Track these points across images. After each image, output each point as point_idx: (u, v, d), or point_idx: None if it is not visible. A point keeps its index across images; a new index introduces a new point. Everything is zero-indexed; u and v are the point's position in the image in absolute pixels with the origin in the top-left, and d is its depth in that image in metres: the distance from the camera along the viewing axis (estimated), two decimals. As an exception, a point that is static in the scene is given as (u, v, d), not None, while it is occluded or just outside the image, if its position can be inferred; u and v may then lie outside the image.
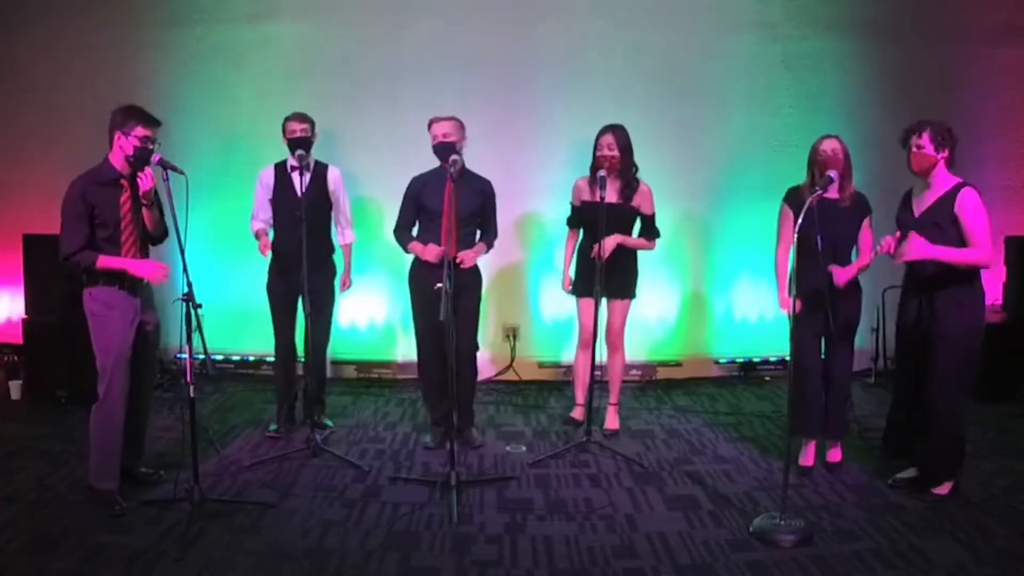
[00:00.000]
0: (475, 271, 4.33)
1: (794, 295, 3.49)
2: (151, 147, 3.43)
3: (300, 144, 4.26)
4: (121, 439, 3.48)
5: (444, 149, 4.08)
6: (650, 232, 4.45)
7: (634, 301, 4.52)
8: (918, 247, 3.42)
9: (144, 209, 3.51)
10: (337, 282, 4.65)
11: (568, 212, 4.56)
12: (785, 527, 3.26)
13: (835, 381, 3.91)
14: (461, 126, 4.18)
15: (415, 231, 4.29)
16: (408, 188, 4.28)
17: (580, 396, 4.56)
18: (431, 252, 4.11)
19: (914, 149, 3.49)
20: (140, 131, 3.40)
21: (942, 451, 3.55)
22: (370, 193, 5.57)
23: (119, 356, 3.42)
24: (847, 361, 3.93)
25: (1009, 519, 3.39)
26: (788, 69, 5.73)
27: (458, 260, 4.07)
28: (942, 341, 3.48)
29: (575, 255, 4.52)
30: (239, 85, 5.63)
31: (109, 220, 3.42)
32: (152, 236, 3.62)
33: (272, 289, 4.46)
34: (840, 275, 3.72)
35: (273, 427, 4.49)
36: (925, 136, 3.45)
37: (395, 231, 4.32)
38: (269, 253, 4.35)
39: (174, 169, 3.38)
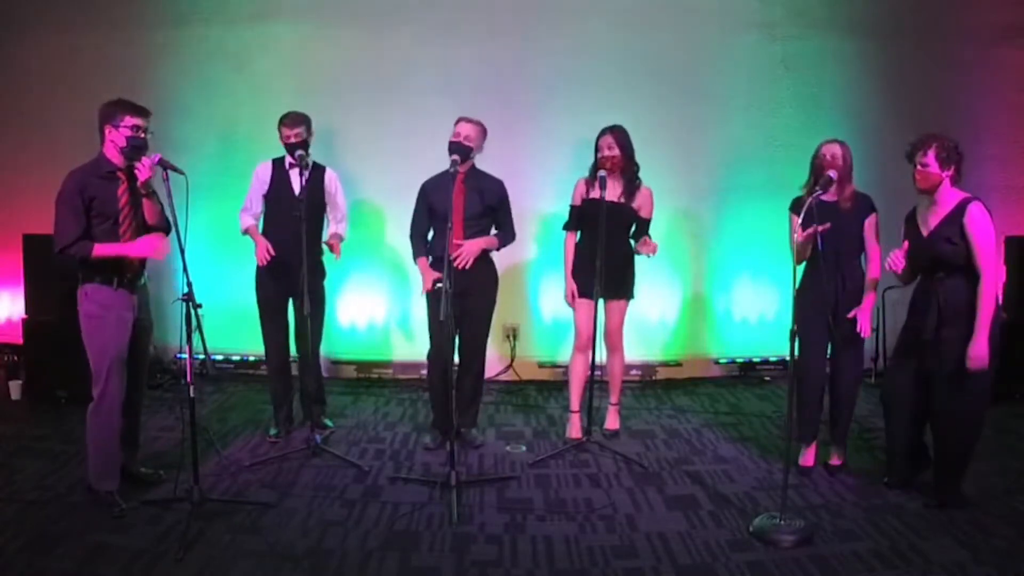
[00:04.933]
0: (490, 273, 4.31)
1: (797, 299, 3.47)
2: (143, 136, 3.40)
3: (297, 148, 4.23)
4: (119, 440, 3.49)
5: (456, 148, 4.04)
6: (644, 236, 4.40)
7: (633, 301, 4.51)
8: (979, 356, 3.34)
9: (145, 200, 3.49)
10: (336, 283, 4.62)
11: (566, 216, 4.47)
12: (785, 527, 3.26)
13: (841, 387, 3.89)
14: (484, 132, 4.17)
15: (429, 235, 4.28)
16: (420, 193, 4.28)
17: (576, 402, 4.49)
18: (427, 281, 4.15)
19: (919, 167, 3.43)
20: (129, 120, 3.37)
21: (958, 461, 3.49)
22: (370, 194, 5.57)
23: (115, 358, 3.41)
24: (853, 368, 3.91)
25: (1009, 519, 3.38)
26: (788, 69, 5.73)
27: (453, 257, 3.96)
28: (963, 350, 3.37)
29: (573, 256, 4.44)
30: (239, 85, 5.64)
31: (108, 212, 3.41)
32: (155, 229, 3.58)
33: (262, 290, 4.38)
34: (863, 320, 3.76)
35: (273, 431, 4.45)
36: (931, 154, 3.39)
37: (411, 237, 4.32)
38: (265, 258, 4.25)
39: (174, 169, 3.37)
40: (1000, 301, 5.33)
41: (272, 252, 4.20)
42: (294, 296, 4.05)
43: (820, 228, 3.54)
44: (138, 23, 5.62)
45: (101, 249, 3.36)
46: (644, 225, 4.39)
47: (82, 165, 3.44)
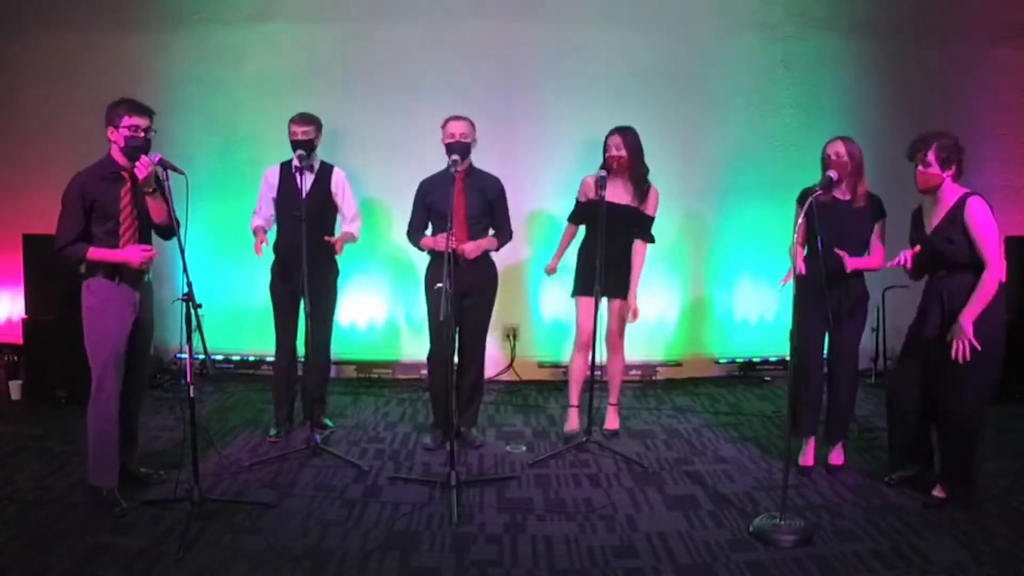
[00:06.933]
0: (490, 271, 4.33)
1: (796, 295, 3.47)
2: (143, 135, 3.41)
3: (301, 146, 4.25)
4: (117, 435, 3.49)
5: (459, 148, 4.08)
6: (645, 234, 4.40)
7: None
8: (962, 342, 3.30)
9: (149, 199, 3.50)
10: (340, 282, 4.63)
11: (568, 215, 4.55)
12: (785, 527, 3.26)
13: (840, 387, 3.89)
14: (474, 127, 4.19)
15: (428, 233, 4.28)
16: (417, 191, 4.30)
17: (575, 397, 4.51)
18: (440, 240, 4.00)
19: (920, 167, 3.42)
20: (127, 120, 3.39)
21: (961, 455, 3.49)
22: (372, 193, 5.56)
23: (113, 352, 3.42)
24: (852, 366, 3.91)
25: (1009, 519, 3.39)
26: (788, 69, 5.73)
27: (459, 251, 4.05)
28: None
29: (577, 254, 4.47)
30: (239, 85, 5.64)
31: (109, 213, 3.43)
32: (162, 228, 3.58)
33: (274, 290, 4.45)
34: (851, 261, 3.65)
35: (273, 431, 4.46)
36: (931, 155, 3.37)
37: (408, 234, 4.34)
38: (263, 252, 4.30)
39: (175, 169, 3.37)
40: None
41: (262, 245, 4.27)
42: (303, 296, 4.07)
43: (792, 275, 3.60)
44: (138, 23, 5.61)
45: (95, 253, 3.41)
46: (646, 222, 4.39)
47: (91, 165, 3.46)
